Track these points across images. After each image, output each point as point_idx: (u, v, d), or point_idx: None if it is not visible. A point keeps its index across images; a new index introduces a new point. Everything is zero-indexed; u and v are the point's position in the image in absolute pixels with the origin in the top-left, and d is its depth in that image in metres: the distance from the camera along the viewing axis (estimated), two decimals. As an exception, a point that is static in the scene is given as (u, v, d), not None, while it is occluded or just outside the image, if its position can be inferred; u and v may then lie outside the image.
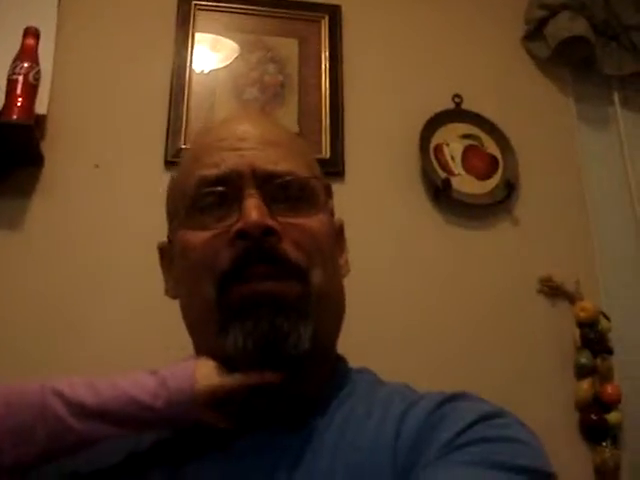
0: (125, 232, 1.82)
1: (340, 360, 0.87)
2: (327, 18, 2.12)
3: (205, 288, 0.74)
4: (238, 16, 2.09)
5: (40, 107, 1.81)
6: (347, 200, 1.87)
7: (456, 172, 2.01)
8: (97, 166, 1.88)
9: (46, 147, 1.84)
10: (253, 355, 0.71)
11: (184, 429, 0.76)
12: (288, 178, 0.77)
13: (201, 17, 2.07)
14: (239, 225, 0.72)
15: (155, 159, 1.89)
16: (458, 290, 1.92)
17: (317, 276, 0.75)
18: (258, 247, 0.72)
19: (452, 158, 2.03)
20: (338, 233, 0.89)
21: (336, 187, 1.86)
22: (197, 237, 0.76)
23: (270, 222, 0.73)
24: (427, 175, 1.99)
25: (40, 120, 1.82)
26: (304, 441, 0.74)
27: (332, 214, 0.87)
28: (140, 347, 1.68)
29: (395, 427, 0.72)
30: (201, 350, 0.80)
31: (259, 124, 0.85)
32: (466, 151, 2.05)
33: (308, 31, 2.10)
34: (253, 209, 0.72)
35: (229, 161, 0.77)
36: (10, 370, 1.60)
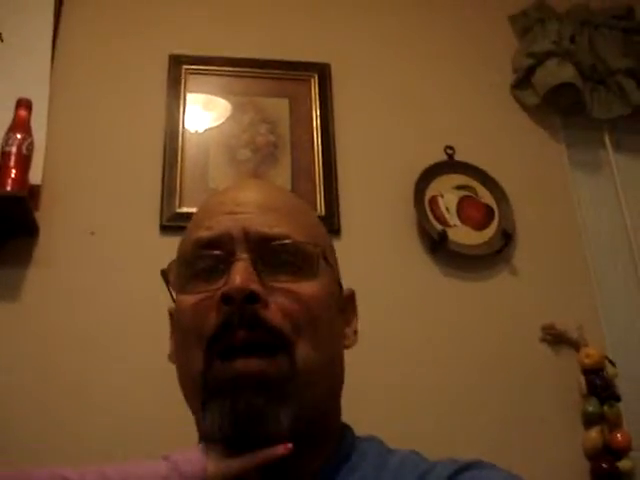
0: (122, 299, 1.81)
1: (346, 429, 0.85)
2: (317, 77, 2.13)
3: (194, 356, 0.74)
4: (228, 79, 2.11)
5: (34, 177, 1.82)
6: (344, 257, 1.84)
7: (452, 223, 2.01)
8: (93, 233, 1.87)
9: (41, 217, 1.84)
10: (230, 435, 0.70)
11: None
12: (281, 242, 0.76)
13: (192, 80, 2.09)
14: (224, 289, 0.72)
15: (150, 223, 1.89)
16: (459, 342, 1.90)
17: (305, 348, 0.73)
18: (241, 312, 0.71)
19: (447, 209, 2.03)
20: (346, 302, 0.88)
21: (333, 244, 1.87)
22: (188, 302, 0.76)
23: (254, 287, 0.72)
24: (423, 228, 1.99)
25: (34, 190, 1.83)
26: None
27: (336, 281, 0.85)
28: (141, 412, 1.67)
29: None
30: (196, 421, 0.79)
31: (261, 190, 0.85)
32: (461, 202, 2.05)
33: (298, 90, 2.12)
34: (238, 274, 0.72)
35: (223, 224, 0.77)
36: (11, 440, 1.62)
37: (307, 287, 0.76)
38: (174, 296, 0.81)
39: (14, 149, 1.76)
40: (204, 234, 0.78)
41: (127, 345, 1.75)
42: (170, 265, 0.82)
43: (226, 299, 0.71)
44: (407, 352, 1.86)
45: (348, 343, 0.86)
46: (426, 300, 1.94)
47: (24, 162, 1.77)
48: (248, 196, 0.81)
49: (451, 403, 1.82)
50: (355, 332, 0.88)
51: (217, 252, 0.76)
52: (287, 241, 0.77)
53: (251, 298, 0.71)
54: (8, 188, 1.72)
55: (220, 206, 0.80)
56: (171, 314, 0.86)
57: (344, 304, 0.87)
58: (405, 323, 1.89)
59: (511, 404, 1.85)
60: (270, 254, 0.76)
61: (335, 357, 0.81)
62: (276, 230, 0.77)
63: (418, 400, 1.81)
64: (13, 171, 1.74)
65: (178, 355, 0.81)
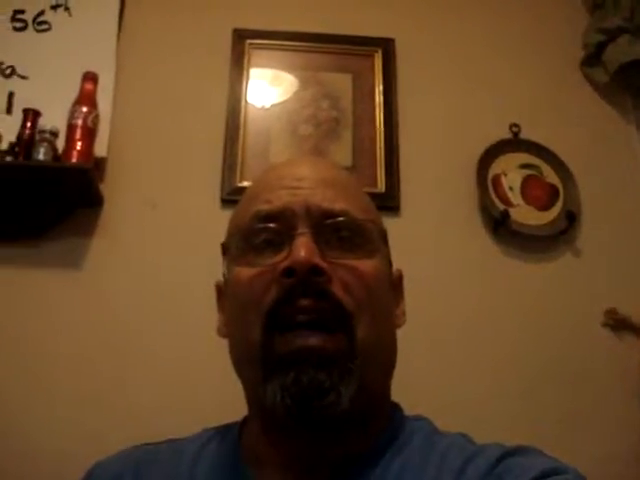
0: (182, 271, 1.83)
1: (395, 408, 0.85)
2: (381, 52, 2.11)
3: (252, 329, 0.74)
4: (291, 54, 2.10)
5: (99, 150, 1.86)
6: (403, 235, 1.86)
7: (515, 203, 1.97)
8: (155, 206, 1.90)
9: (106, 188, 1.89)
10: (291, 411, 0.70)
11: None
12: (342, 218, 0.76)
13: (256, 55, 2.09)
14: (286, 263, 0.72)
15: (211, 197, 1.91)
16: (519, 324, 1.87)
17: (365, 325, 0.73)
18: (304, 285, 0.71)
19: (510, 189, 1.99)
20: (396, 283, 0.88)
21: (392, 222, 1.87)
22: (246, 274, 0.76)
23: (318, 261, 0.72)
24: (485, 207, 1.96)
25: (100, 162, 1.87)
26: None
27: (389, 261, 0.85)
28: (193, 380, 1.72)
29: (454, 479, 0.71)
30: (248, 392, 0.80)
31: (318, 166, 0.85)
32: (525, 181, 2.01)
33: (362, 65, 2.10)
34: (302, 247, 0.72)
35: (283, 198, 0.77)
36: (69, 401, 1.69)
37: (367, 264, 0.77)
38: (227, 270, 0.82)
39: (80, 122, 1.79)
40: (264, 207, 0.78)
41: (185, 316, 1.78)
42: (229, 238, 0.82)
43: (289, 272, 0.71)
44: (466, 332, 1.84)
45: (399, 322, 0.86)
46: (486, 280, 1.91)
47: (90, 135, 1.80)
48: (307, 172, 0.81)
49: (509, 387, 1.80)
50: (404, 313, 0.88)
51: (277, 226, 0.76)
52: (348, 218, 0.77)
53: (315, 271, 0.71)
54: (74, 160, 1.76)
55: (279, 180, 0.80)
56: (219, 288, 0.87)
57: (395, 284, 0.87)
58: (464, 303, 1.87)
59: (570, 389, 1.81)
60: (330, 230, 0.76)
61: (390, 335, 0.82)
62: (336, 206, 0.77)
63: (474, 382, 1.80)
64: (79, 143, 1.77)
65: (231, 328, 0.81)
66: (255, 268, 0.75)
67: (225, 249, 0.83)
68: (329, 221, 0.76)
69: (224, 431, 0.86)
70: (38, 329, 1.76)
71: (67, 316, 1.78)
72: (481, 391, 1.78)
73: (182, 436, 0.89)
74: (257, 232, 0.77)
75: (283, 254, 0.73)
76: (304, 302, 0.71)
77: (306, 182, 0.79)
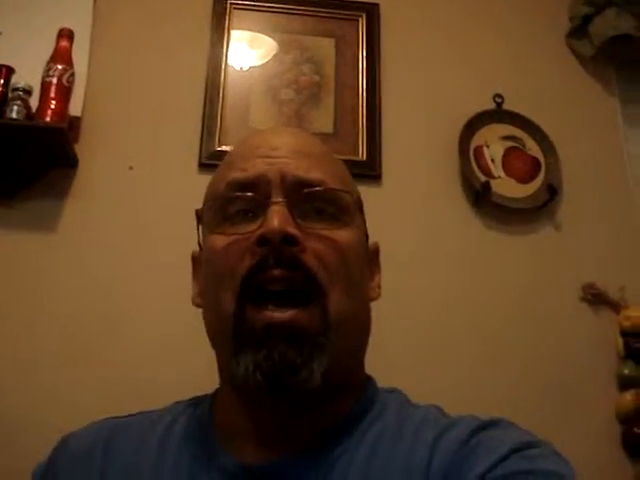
0: (158, 234, 1.81)
1: (369, 381, 0.85)
2: (365, 17, 2.08)
3: (225, 299, 0.73)
4: (274, 15, 2.07)
5: (74, 109, 1.82)
6: (384, 204, 1.87)
7: (496, 175, 1.96)
8: (131, 168, 1.87)
9: (80, 149, 1.85)
10: (262, 385, 0.70)
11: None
12: (317, 188, 0.76)
13: (237, 16, 2.05)
14: (260, 231, 0.71)
15: (189, 160, 1.88)
16: (497, 295, 1.87)
17: (337, 296, 0.73)
18: (277, 254, 0.71)
19: (492, 160, 1.98)
20: (372, 255, 0.87)
21: (373, 191, 1.87)
22: (220, 242, 0.75)
23: (292, 230, 0.71)
24: (466, 178, 1.95)
25: (74, 122, 1.83)
26: (331, 468, 0.72)
27: (365, 233, 0.84)
28: (168, 343, 1.70)
29: (428, 453, 0.71)
30: (220, 363, 0.79)
31: (294, 136, 0.84)
32: (507, 153, 2.00)
33: (345, 30, 2.07)
34: (276, 216, 0.71)
35: (259, 167, 0.76)
36: (41, 364, 1.67)
37: (342, 235, 0.76)
38: (201, 238, 0.81)
39: (55, 80, 1.74)
40: (239, 175, 0.77)
41: (159, 280, 1.76)
42: (204, 206, 0.81)
43: (262, 241, 0.71)
44: (444, 304, 1.84)
45: (373, 295, 0.84)
46: (466, 252, 1.91)
47: (64, 93, 1.76)
48: (283, 141, 0.80)
49: (485, 358, 1.81)
50: (379, 286, 0.86)
51: (252, 194, 0.75)
52: (323, 187, 0.76)
53: (289, 240, 0.71)
54: (48, 119, 1.72)
55: (255, 149, 0.79)
56: (194, 258, 0.86)
57: (370, 257, 0.86)
58: (443, 274, 1.87)
59: (546, 362, 1.82)
60: (305, 200, 0.75)
61: (364, 308, 0.81)
62: (312, 175, 0.76)
63: (451, 354, 1.80)
64: (53, 102, 1.73)
65: (206, 297, 0.80)
66: (229, 237, 0.74)
67: (199, 217, 0.82)
68: (304, 190, 0.75)
69: (195, 404, 0.85)
70: (11, 292, 1.74)
71: (41, 279, 1.76)
72: (457, 364, 1.78)
73: (159, 405, 0.89)
74: (231, 200, 0.76)
75: (257, 223, 0.73)
76: (276, 272, 0.71)
77: (282, 151, 0.78)
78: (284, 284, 0.71)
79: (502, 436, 0.71)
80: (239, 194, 0.76)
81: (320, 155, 0.81)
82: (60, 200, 1.82)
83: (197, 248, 0.83)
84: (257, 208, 0.74)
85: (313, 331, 0.71)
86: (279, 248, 0.70)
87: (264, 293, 0.71)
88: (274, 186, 0.74)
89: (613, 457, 1.77)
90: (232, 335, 0.72)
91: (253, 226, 0.73)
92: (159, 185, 1.86)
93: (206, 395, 0.86)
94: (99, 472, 0.79)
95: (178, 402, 0.88)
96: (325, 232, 0.74)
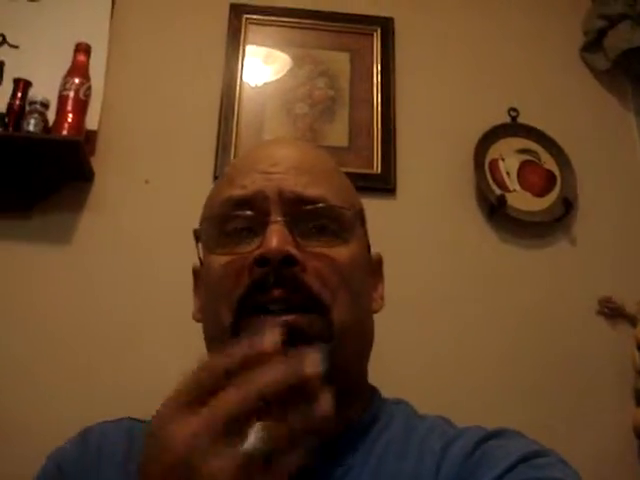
0: (173, 248, 1.80)
1: (374, 391, 0.84)
2: (379, 31, 2.08)
3: (222, 314, 0.72)
4: (289, 30, 2.07)
5: (91, 123, 1.82)
6: (398, 217, 1.87)
7: (511, 188, 1.96)
8: (147, 181, 1.88)
9: (96, 162, 1.85)
10: None
11: None
12: (317, 205, 0.75)
13: (252, 31, 2.06)
14: (259, 251, 0.70)
15: (205, 174, 1.88)
16: (512, 310, 1.86)
17: (341, 313, 0.72)
18: (277, 274, 0.69)
19: (507, 174, 1.97)
20: (375, 267, 0.86)
21: (387, 204, 1.86)
22: (219, 262, 0.74)
23: (292, 250, 0.70)
24: (482, 191, 1.94)
25: (91, 136, 1.83)
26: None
27: (366, 244, 0.84)
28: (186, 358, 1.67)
29: (435, 462, 0.71)
30: None
31: (296, 149, 0.84)
32: (522, 167, 1.99)
33: (360, 45, 2.07)
34: (275, 235, 0.70)
35: (257, 183, 0.75)
36: (61, 375, 1.68)
37: (342, 252, 0.75)
38: (202, 255, 0.80)
39: (71, 93, 1.75)
40: (237, 192, 0.76)
41: (174, 294, 1.74)
42: (202, 224, 0.81)
43: (261, 261, 0.69)
44: (459, 317, 1.83)
45: (376, 307, 0.84)
46: (481, 265, 1.90)
47: (81, 107, 1.77)
48: (284, 155, 0.79)
49: (500, 371, 1.79)
50: (382, 297, 0.86)
51: (250, 212, 0.74)
52: (322, 204, 0.75)
53: (288, 261, 0.70)
54: (64, 132, 1.73)
55: (254, 164, 0.78)
56: (195, 272, 0.86)
57: (373, 268, 0.85)
58: (458, 288, 1.86)
59: (562, 376, 1.80)
60: (305, 217, 0.74)
61: (366, 320, 0.80)
62: (311, 191, 0.75)
63: (466, 367, 1.79)
64: (70, 115, 1.74)
65: (204, 314, 0.80)
66: (228, 256, 0.74)
67: (198, 235, 0.81)
68: (303, 207, 0.74)
69: None
70: (26, 303, 1.74)
71: (57, 290, 1.76)
72: (472, 377, 1.77)
73: None
74: (229, 219, 0.75)
75: (256, 242, 0.72)
76: (277, 292, 0.70)
77: (281, 166, 0.77)
78: (284, 304, 0.70)
79: (508, 446, 0.71)
80: (236, 213, 0.75)
81: (321, 169, 0.80)
82: (76, 213, 1.83)
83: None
84: (256, 226, 0.73)
85: (314, 335, 0.69)
86: (279, 268, 0.69)
87: (263, 310, 0.70)
88: (272, 203, 0.73)
89: (630, 471, 1.75)
90: (228, 343, 0.71)
91: (252, 245, 0.72)
92: (175, 199, 1.86)
93: None
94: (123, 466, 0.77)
95: None
96: (325, 250, 0.73)
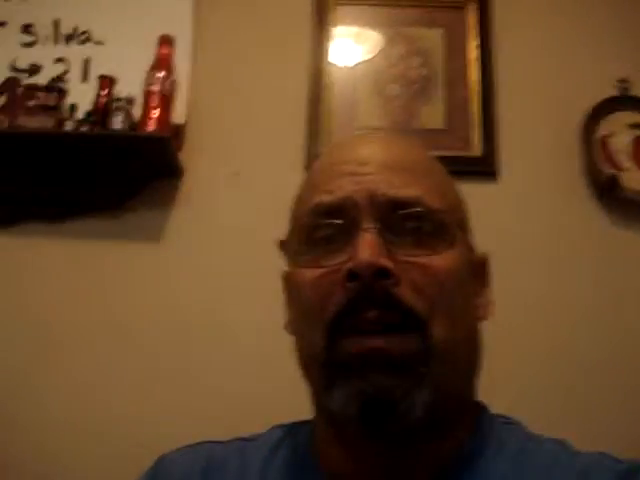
0: (266, 240, 1.75)
1: (482, 410, 0.76)
2: (475, 3, 1.98)
3: (314, 335, 0.67)
4: (377, 8, 2.00)
5: (177, 117, 1.80)
6: (500, 202, 1.78)
7: (624, 167, 1.82)
8: (237, 174, 1.85)
9: (185, 157, 1.83)
10: (356, 421, 0.64)
11: None
12: (413, 209, 0.68)
13: (339, 11, 2.00)
14: (349, 265, 0.64)
15: (296, 163, 1.83)
16: (628, 301, 1.73)
17: (440, 327, 0.65)
18: (370, 290, 0.63)
19: (619, 151, 1.84)
20: (479, 270, 0.78)
21: (489, 188, 1.77)
22: (309, 276, 0.69)
23: (384, 262, 0.64)
24: (591, 172, 1.83)
25: (177, 130, 1.81)
26: None
27: (469, 248, 0.75)
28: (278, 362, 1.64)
29: None
30: (312, 396, 0.74)
31: (386, 145, 0.76)
32: (636, 143, 1.86)
33: (454, 19, 1.98)
34: (365, 246, 0.64)
35: (345, 188, 0.69)
36: (145, 376, 1.68)
37: (441, 260, 0.68)
38: (289, 266, 0.75)
39: (156, 88, 1.73)
40: (324, 199, 0.69)
41: (266, 287, 1.71)
42: (289, 234, 0.76)
43: (353, 275, 0.64)
44: (566, 310, 1.72)
45: (481, 314, 0.75)
46: (592, 252, 1.78)
47: (167, 101, 1.75)
48: (372, 153, 0.72)
49: (610, 371, 1.66)
50: (489, 303, 0.77)
51: (339, 221, 0.68)
52: (419, 207, 0.68)
53: (381, 274, 0.63)
54: (151, 128, 1.70)
55: (341, 166, 0.71)
56: (284, 278, 0.80)
57: (478, 272, 0.77)
58: (566, 278, 1.75)
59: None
60: (399, 222, 0.67)
61: (472, 333, 0.73)
62: (406, 193, 0.68)
63: (573, 364, 1.67)
64: (155, 111, 1.72)
65: (296, 329, 0.75)
66: (317, 269, 0.68)
67: (284, 246, 0.77)
68: (397, 212, 0.67)
69: (294, 432, 0.80)
70: (119, 301, 1.75)
71: (147, 288, 1.77)
72: (578, 373, 1.66)
73: (257, 419, 0.86)
74: (317, 228, 0.70)
75: (347, 252, 0.66)
76: (371, 314, 0.64)
77: (371, 166, 0.70)
78: (379, 325, 0.64)
79: None
80: (325, 221, 0.69)
81: (416, 166, 0.73)
82: (166, 209, 1.82)
83: None
84: (346, 234, 0.67)
85: (413, 360, 0.64)
86: (371, 283, 0.63)
87: (356, 330, 0.65)
88: (363, 209, 0.67)
89: None
90: (323, 366, 0.66)
91: (342, 257, 0.66)
92: (265, 190, 1.82)
93: (305, 422, 0.79)
94: None
95: (275, 427, 0.83)
96: (422, 259, 0.67)
